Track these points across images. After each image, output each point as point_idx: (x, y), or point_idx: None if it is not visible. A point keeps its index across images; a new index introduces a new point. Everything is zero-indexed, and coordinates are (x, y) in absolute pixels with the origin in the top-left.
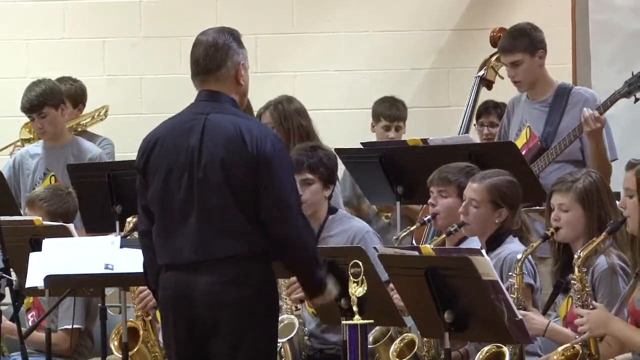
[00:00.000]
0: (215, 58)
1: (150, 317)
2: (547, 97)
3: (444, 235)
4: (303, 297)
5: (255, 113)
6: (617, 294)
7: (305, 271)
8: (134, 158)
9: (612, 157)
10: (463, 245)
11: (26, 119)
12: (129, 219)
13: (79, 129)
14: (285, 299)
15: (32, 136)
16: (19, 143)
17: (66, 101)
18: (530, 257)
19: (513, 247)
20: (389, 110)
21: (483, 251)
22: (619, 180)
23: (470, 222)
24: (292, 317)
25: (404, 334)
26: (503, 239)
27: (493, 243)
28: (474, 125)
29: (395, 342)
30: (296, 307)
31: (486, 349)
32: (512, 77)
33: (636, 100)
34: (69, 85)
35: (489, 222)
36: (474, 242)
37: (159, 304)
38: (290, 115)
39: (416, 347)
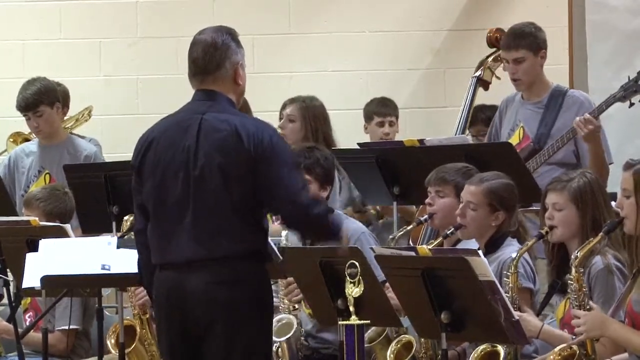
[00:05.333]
0: (214, 58)
1: (147, 316)
2: (542, 99)
3: (440, 239)
4: (300, 298)
5: (253, 113)
6: (613, 294)
7: (325, 238)
8: (131, 159)
9: (608, 160)
10: (460, 246)
11: (12, 127)
12: (126, 217)
13: (67, 133)
14: (283, 298)
15: (17, 146)
16: (5, 153)
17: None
18: (529, 259)
19: (512, 249)
20: (381, 108)
21: (480, 251)
22: (615, 181)
23: (467, 225)
24: (291, 316)
25: (401, 335)
26: (501, 241)
27: (491, 246)
28: (467, 131)
29: (392, 344)
30: (294, 307)
31: (481, 347)
32: (512, 75)
33: (631, 105)
34: None
35: (486, 224)
36: (472, 243)
37: (153, 303)
38: (316, 115)
39: (414, 349)
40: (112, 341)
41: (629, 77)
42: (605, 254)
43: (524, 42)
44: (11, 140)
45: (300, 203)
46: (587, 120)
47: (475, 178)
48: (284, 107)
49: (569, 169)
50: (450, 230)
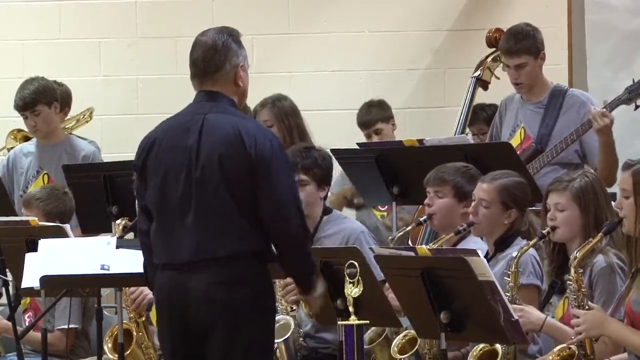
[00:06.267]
0: (214, 60)
1: (143, 319)
2: (542, 99)
3: (451, 234)
4: (299, 298)
5: (252, 114)
6: (615, 292)
7: (298, 268)
8: (130, 159)
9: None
10: (461, 246)
11: (11, 126)
12: (117, 221)
13: (66, 133)
14: (281, 299)
15: (17, 143)
16: (5, 150)
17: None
18: (538, 258)
19: None
20: (362, 118)
21: (479, 252)
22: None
23: (479, 222)
24: (288, 317)
25: (406, 331)
26: (512, 240)
27: (502, 244)
28: (468, 129)
29: (398, 338)
30: (292, 308)
31: (480, 346)
32: (515, 80)
33: (637, 107)
34: None
35: (498, 222)
36: (472, 243)
37: (155, 303)
38: (288, 114)
39: (417, 344)
40: (109, 346)
41: (633, 80)
42: (608, 253)
43: (525, 47)
44: (12, 137)
45: (285, 211)
46: (603, 114)
47: (487, 176)
48: (255, 113)
49: (572, 169)
50: (462, 227)
